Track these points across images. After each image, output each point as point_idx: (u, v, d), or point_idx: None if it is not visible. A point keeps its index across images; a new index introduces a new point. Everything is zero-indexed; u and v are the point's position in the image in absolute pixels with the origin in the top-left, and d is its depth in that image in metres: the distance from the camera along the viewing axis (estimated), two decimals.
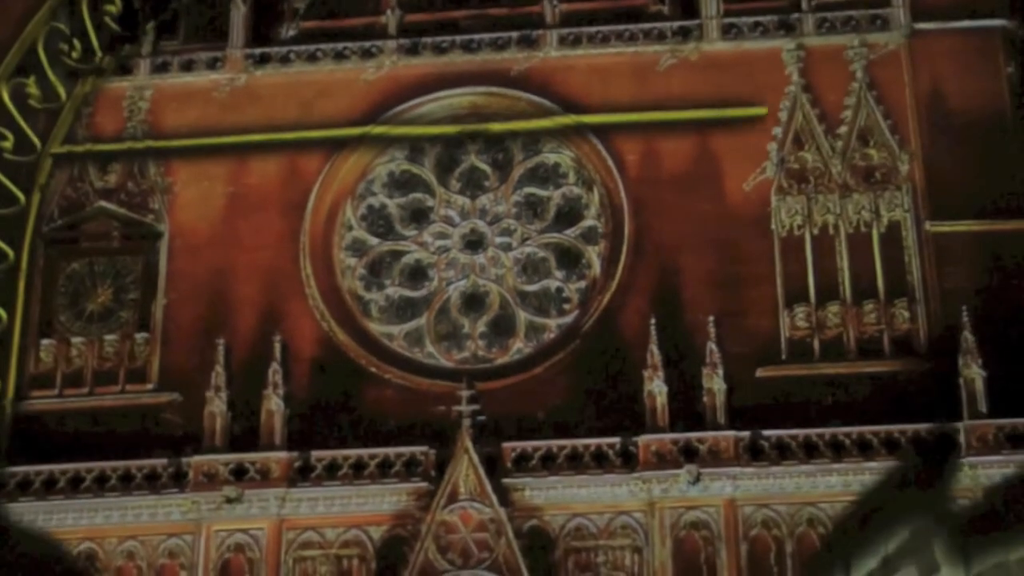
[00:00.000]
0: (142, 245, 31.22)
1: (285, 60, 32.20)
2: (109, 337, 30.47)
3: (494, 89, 31.71)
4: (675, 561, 27.15)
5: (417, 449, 28.08)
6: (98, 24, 32.20)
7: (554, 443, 28.02)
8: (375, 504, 27.85)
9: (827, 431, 27.67)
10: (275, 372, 28.74)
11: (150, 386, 29.99)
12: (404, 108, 31.88)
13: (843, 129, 30.67)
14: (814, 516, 27.30)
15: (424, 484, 27.68)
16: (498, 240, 31.34)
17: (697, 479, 27.33)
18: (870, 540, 26.21)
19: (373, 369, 29.76)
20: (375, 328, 30.63)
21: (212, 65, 32.25)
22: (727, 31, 31.63)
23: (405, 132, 31.87)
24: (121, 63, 32.38)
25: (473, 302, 30.95)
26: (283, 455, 28.12)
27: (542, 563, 27.16)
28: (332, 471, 28.16)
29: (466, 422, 27.81)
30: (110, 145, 31.86)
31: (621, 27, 31.73)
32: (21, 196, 31.02)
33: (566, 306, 30.75)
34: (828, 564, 26.99)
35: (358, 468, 28.20)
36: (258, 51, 32.33)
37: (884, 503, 27.08)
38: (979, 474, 27.58)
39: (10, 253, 30.75)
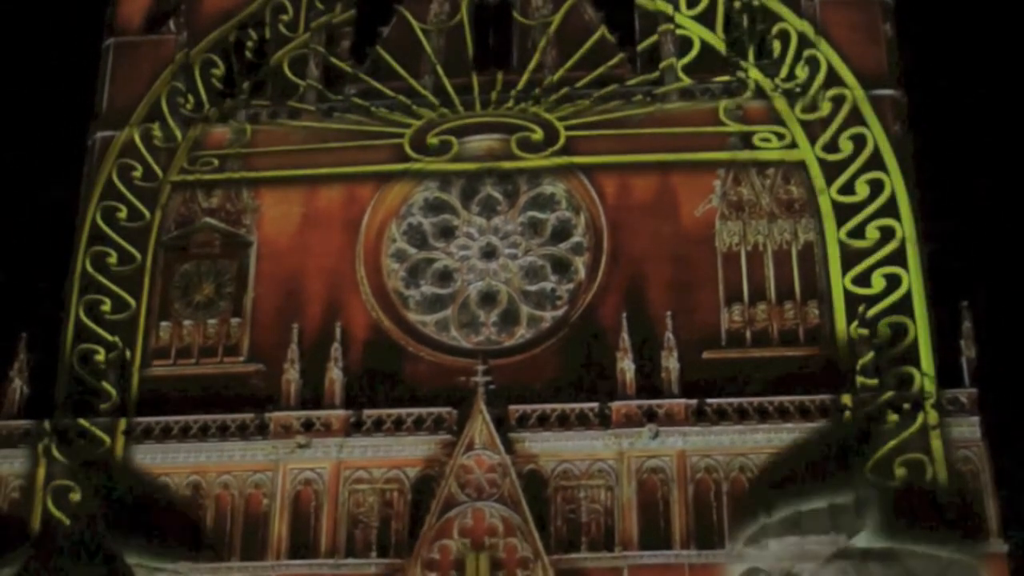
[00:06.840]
0: (236, 251, 33.35)
1: (346, 112, 34.36)
2: (211, 321, 32.87)
3: (506, 136, 33.93)
4: (638, 497, 29.58)
5: (443, 409, 30.59)
6: (206, 84, 35.18)
7: (547, 406, 30.44)
8: (411, 451, 30.30)
9: (755, 400, 30.09)
10: (336, 349, 31.34)
11: (241, 358, 32.40)
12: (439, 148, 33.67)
13: (771, 171, 32.88)
14: (744, 464, 29.82)
15: (448, 436, 30.22)
16: (507, 251, 33.79)
17: (656, 435, 29.84)
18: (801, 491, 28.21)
19: (410, 348, 32.24)
20: (412, 317, 33.09)
21: (291, 115, 34.67)
22: (684, 94, 33.78)
23: (437, 168, 34.00)
24: (223, 113, 34.87)
25: (487, 298, 33.35)
26: (341, 413, 30.66)
27: (537, 497, 29.60)
28: (378, 425, 30.59)
29: (481, 389, 30.36)
30: (213, 175, 34.13)
31: (604, 90, 33.81)
32: (147, 213, 33.77)
33: (558, 302, 33.17)
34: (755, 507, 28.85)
35: (398, 423, 30.60)
36: (326, 105, 34.56)
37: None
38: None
39: (138, 256, 33.52)
